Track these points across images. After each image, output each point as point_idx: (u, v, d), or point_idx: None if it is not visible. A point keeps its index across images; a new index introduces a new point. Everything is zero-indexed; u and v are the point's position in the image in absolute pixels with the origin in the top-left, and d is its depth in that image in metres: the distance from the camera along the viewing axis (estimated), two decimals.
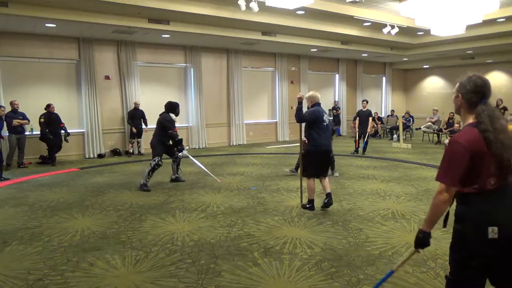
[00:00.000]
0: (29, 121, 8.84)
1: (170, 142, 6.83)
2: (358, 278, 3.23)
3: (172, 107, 6.79)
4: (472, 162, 1.89)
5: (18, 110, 8.73)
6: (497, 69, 15.83)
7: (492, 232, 1.87)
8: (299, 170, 6.35)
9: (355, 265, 3.48)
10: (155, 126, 6.85)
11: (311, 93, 5.39)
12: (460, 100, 2.02)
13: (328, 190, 5.20)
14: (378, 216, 4.96)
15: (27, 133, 9.52)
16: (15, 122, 8.54)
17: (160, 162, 6.56)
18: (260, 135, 13.87)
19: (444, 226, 2.13)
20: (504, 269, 1.97)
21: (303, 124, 5.29)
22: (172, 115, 6.73)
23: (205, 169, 7.18)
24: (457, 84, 2.04)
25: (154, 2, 7.88)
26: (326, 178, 5.26)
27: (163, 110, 6.82)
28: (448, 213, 2.05)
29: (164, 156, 6.79)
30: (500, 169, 1.92)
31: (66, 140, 9.53)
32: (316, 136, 5.12)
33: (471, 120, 1.98)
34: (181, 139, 6.96)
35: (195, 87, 12.19)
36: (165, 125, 6.58)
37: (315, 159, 5.15)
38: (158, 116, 6.79)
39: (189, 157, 7.28)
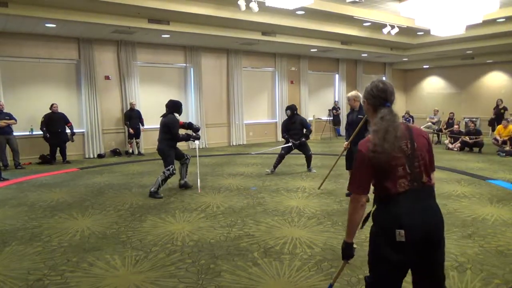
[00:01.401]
0: (16, 120, 8.77)
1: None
2: (358, 278, 3.23)
3: (177, 107, 6.23)
4: (377, 167, 1.89)
5: (4, 111, 8.66)
6: (497, 69, 15.83)
7: (399, 235, 1.86)
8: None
9: (354, 265, 3.47)
10: (158, 129, 6.26)
11: (356, 92, 5.58)
12: (366, 105, 2.06)
13: None
14: None
15: (27, 133, 9.54)
16: (2, 123, 8.47)
17: (174, 172, 6.13)
18: (260, 135, 13.88)
19: (361, 227, 2.15)
20: (416, 272, 2.00)
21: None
22: (177, 115, 6.23)
23: (198, 174, 6.77)
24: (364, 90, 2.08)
25: (154, 2, 7.88)
26: None
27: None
28: (368, 215, 2.09)
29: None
30: (411, 170, 1.90)
31: (72, 140, 9.55)
32: None
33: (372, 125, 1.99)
34: (199, 127, 6.56)
35: (195, 87, 12.19)
36: (174, 131, 6.03)
37: None
38: (159, 117, 6.35)
39: (195, 149, 6.83)
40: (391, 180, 1.90)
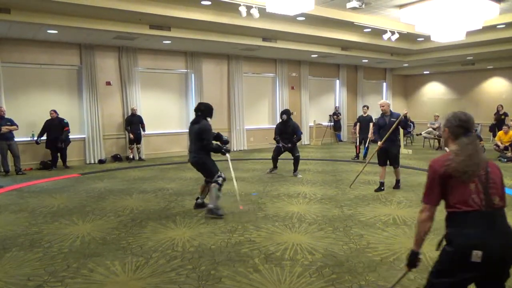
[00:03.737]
0: (17, 126, 8.77)
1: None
2: (360, 284, 3.21)
3: (210, 110, 5.45)
4: (447, 183, 2.02)
5: (5, 116, 8.65)
6: (497, 75, 15.86)
7: (476, 256, 1.88)
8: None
9: (356, 271, 3.46)
10: (191, 136, 5.45)
11: (387, 101, 6.77)
12: (447, 133, 2.20)
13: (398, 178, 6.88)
14: (379, 221, 4.95)
15: (28, 138, 9.54)
16: (4, 129, 8.45)
17: (225, 176, 5.39)
18: (261, 141, 13.88)
19: (437, 249, 2.15)
20: (483, 285, 2.01)
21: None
22: (209, 120, 5.44)
23: (236, 187, 5.97)
24: (444, 119, 2.24)
25: (155, 8, 7.92)
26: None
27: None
28: (443, 237, 2.10)
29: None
30: (483, 189, 1.98)
31: (61, 145, 9.36)
32: None
33: (454, 148, 2.14)
34: (228, 140, 5.95)
35: (195, 93, 12.20)
36: (207, 137, 5.23)
37: None
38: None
39: (228, 161, 6.03)
40: (462, 196, 1.98)
